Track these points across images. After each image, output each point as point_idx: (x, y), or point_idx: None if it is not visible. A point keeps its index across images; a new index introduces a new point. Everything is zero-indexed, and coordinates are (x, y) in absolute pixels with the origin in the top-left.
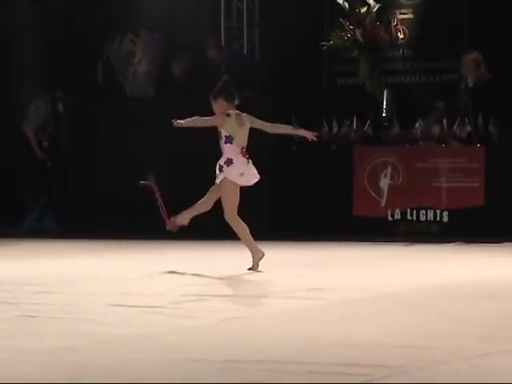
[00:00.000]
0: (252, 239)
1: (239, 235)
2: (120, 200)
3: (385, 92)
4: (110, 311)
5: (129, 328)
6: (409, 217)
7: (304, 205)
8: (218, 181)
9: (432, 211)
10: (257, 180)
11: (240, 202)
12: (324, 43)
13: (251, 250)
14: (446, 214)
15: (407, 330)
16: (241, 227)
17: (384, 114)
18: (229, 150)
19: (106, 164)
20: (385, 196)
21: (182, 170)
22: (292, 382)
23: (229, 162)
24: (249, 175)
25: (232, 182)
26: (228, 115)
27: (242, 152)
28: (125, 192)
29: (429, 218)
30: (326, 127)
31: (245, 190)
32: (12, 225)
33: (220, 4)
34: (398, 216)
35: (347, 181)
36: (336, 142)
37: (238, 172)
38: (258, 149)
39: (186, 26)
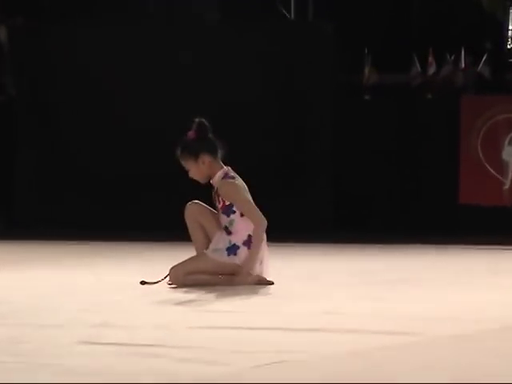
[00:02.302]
0: None
1: None
2: (92, 179)
3: (511, 12)
4: (81, 352)
5: (110, 379)
6: None
7: (383, 187)
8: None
9: None
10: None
11: (287, 182)
12: None
13: None
14: None
15: None
16: None
17: (509, 46)
18: (247, 223)
19: (72, 120)
20: (510, 174)
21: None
22: None
23: (250, 241)
24: (264, 266)
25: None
26: (233, 177)
27: None
28: (99, 167)
29: None
30: (418, 66)
31: (296, 166)
32: None
33: None
34: None
35: (450, 149)
36: (433, 89)
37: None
38: (314, 99)
39: None
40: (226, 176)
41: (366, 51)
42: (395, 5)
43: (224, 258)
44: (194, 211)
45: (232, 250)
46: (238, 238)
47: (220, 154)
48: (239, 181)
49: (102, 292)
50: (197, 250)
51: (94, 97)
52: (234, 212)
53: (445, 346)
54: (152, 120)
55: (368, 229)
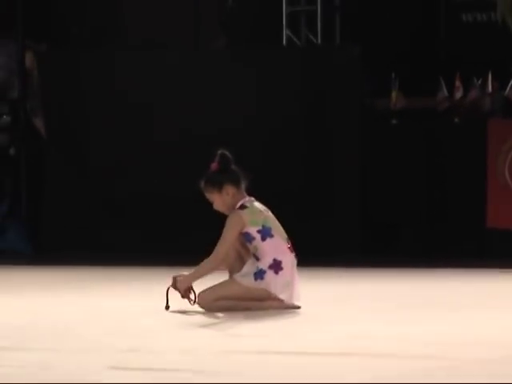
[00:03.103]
0: None
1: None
2: (121, 206)
3: None
4: (109, 377)
5: None
6: None
7: (410, 210)
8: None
9: None
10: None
11: (314, 206)
12: None
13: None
14: None
15: None
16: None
17: None
18: (272, 247)
19: (102, 149)
20: None
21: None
22: None
23: (277, 265)
24: (294, 290)
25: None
26: (243, 207)
27: (289, 247)
28: (127, 192)
29: None
30: (445, 90)
31: (324, 190)
32: None
33: None
34: None
35: (478, 173)
36: (460, 113)
37: (284, 282)
38: (341, 123)
39: None
40: (240, 206)
41: (393, 76)
42: (422, 30)
43: (251, 282)
44: None
45: (259, 274)
46: (265, 262)
47: (243, 184)
48: (250, 210)
49: (128, 317)
50: (229, 274)
51: (120, 121)
52: (254, 238)
53: (472, 370)
54: (179, 144)
55: (395, 252)
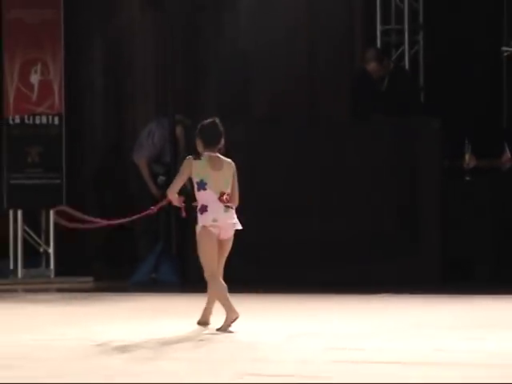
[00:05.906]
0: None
1: (214, 294)
2: (251, 242)
3: None
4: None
5: None
6: None
7: (482, 250)
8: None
9: None
10: (233, 232)
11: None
12: (505, 49)
13: (226, 309)
14: None
15: None
16: (218, 286)
17: None
18: (203, 197)
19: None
20: None
21: None
22: None
23: (203, 209)
24: (224, 224)
25: (206, 229)
26: (197, 158)
27: (220, 198)
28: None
29: None
30: (508, 152)
31: (411, 234)
32: (122, 277)
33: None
34: None
35: None
36: None
37: (210, 219)
38: (426, 182)
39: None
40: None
41: (467, 141)
42: (489, 105)
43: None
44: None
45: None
46: (198, 208)
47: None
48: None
49: (256, 335)
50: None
51: (254, 184)
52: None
53: None
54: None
55: (471, 282)
